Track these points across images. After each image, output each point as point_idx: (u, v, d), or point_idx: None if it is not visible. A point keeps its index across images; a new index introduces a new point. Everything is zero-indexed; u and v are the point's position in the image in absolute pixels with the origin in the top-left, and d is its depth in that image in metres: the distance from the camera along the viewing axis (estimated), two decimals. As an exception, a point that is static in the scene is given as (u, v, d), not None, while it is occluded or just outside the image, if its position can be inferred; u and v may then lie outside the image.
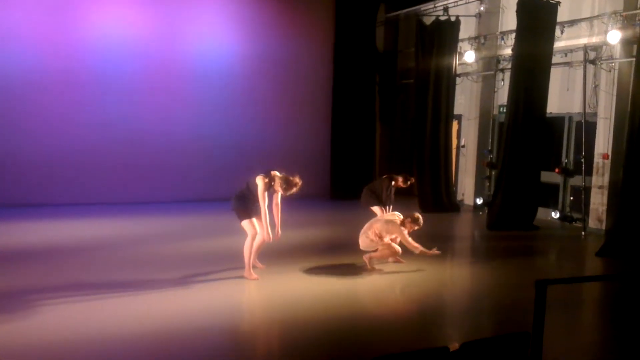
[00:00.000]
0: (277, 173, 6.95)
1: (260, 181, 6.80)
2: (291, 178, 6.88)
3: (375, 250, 7.71)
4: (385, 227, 7.61)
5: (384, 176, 9.56)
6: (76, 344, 4.93)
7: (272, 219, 7.10)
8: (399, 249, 7.74)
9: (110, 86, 12.31)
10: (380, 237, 7.60)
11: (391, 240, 7.74)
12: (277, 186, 6.88)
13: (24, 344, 4.89)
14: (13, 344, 4.86)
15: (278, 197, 7.12)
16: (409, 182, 9.24)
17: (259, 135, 13.78)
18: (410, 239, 7.55)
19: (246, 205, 6.98)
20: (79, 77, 12.07)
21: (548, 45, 10.90)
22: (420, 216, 7.72)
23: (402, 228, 7.57)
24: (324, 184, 14.59)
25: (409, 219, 7.66)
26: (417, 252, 7.55)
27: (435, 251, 7.60)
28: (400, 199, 10.93)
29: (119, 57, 12.35)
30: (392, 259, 8.04)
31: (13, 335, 5.07)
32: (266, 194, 6.85)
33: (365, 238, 7.69)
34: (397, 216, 7.79)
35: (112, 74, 12.31)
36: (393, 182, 9.15)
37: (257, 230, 6.99)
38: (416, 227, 7.68)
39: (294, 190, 6.90)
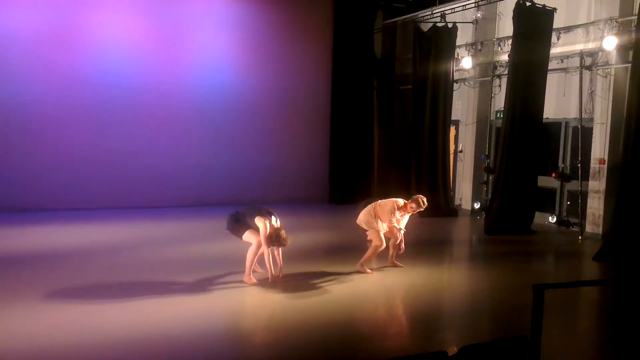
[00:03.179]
0: (274, 221, 6.98)
1: (262, 225, 6.84)
2: (283, 236, 6.85)
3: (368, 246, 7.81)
4: (381, 208, 7.71)
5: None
6: (77, 347, 4.96)
7: (274, 258, 7.16)
8: (383, 243, 7.77)
9: (114, 92, 12.36)
10: (377, 217, 7.73)
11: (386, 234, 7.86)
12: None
13: (26, 346, 4.92)
14: (16, 346, 4.90)
15: None
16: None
17: (258, 140, 13.84)
18: (396, 225, 7.68)
19: (242, 224, 7.06)
20: (83, 85, 12.14)
21: (544, 51, 10.97)
22: (420, 197, 7.78)
23: (397, 213, 7.69)
24: (322, 188, 14.66)
25: (411, 201, 7.76)
26: (397, 239, 7.85)
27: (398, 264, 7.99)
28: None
29: (122, 65, 12.45)
30: (390, 263, 8.09)
31: (17, 337, 5.10)
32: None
33: (367, 214, 7.78)
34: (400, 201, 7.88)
35: (115, 82, 12.37)
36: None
37: (259, 239, 7.00)
38: (416, 208, 7.72)
39: (277, 246, 6.99)
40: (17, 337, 5.14)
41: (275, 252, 7.23)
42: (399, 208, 7.73)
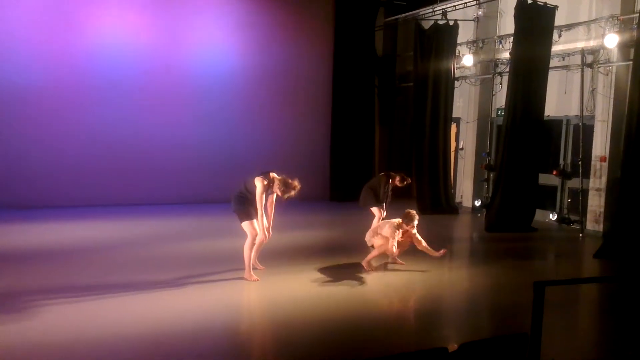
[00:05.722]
0: (275, 175, 6.98)
1: (259, 183, 6.84)
2: (290, 181, 6.89)
3: (373, 247, 7.81)
4: (382, 231, 7.74)
5: (382, 173, 9.62)
6: (75, 344, 4.97)
7: (266, 217, 7.15)
8: (393, 248, 7.81)
9: (114, 91, 12.34)
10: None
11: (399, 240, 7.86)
12: (276, 188, 6.90)
13: (24, 344, 4.92)
14: (14, 345, 4.90)
15: (274, 196, 7.18)
16: (405, 182, 9.26)
17: (259, 138, 13.83)
18: (393, 245, 7.67)
19: (246, 206, 7.02)
20: (83, 82, 12.09)
21: (546, 49, 10.97)
22: (410, 211, 7.78)
23: (397, 231, 7.65)
24: (323, 185, 14.65)
25: (402, 219, 7.73)
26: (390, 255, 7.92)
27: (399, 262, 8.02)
28: (400, 200, 11.00)
29: (122, 62, 12.39)
30: (391, 259, 8.10)
31: (14, 335, 5.10)
32: (264, 195, 6.91)
33: (373, 237, 7.82)
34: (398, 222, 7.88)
35: (115, 79, 12.34)
36: (390, 180, 9.20)
37: (257, 232, 7.03)
38: (410, 224, 7.68)
39: (292, 193, 6.92)
40: (14, 334, 5.14)
41: (269, 209, 7.19)
42: (398, 227, 7.71)
